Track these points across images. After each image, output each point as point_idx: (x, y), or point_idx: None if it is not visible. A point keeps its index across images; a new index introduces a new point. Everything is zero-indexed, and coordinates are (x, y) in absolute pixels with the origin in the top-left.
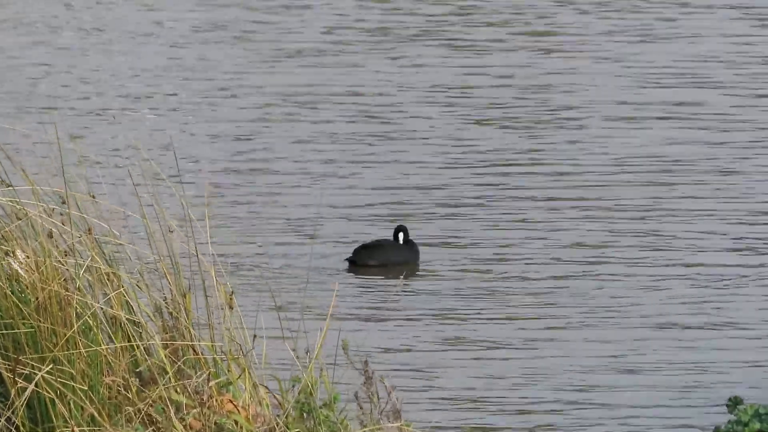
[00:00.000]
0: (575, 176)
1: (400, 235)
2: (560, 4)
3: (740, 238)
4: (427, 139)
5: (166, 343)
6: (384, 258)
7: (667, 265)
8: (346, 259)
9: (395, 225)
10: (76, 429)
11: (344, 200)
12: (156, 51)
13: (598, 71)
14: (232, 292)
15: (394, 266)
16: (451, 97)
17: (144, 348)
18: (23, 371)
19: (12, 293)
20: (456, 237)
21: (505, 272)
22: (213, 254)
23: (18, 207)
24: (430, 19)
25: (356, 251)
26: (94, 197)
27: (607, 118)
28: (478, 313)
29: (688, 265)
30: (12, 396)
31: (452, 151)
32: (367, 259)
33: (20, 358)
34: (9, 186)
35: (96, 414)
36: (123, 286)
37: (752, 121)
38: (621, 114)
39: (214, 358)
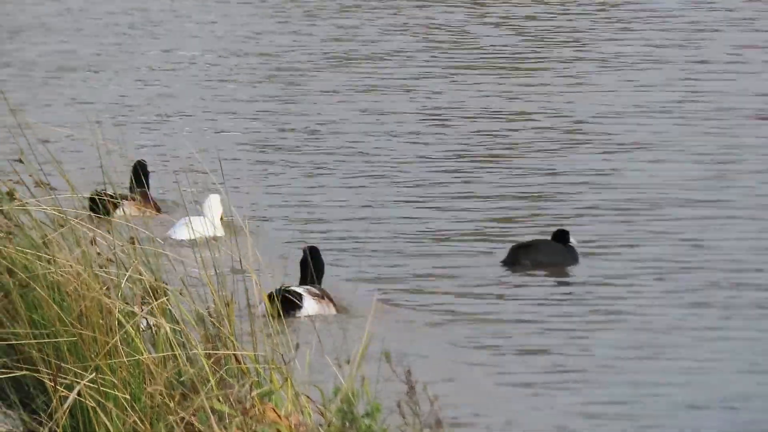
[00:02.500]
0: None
1: (571, 237)
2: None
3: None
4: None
5: (209, 353)
6: (538, 258)
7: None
8: (503, 261)
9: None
10: None
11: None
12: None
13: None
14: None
15: (550, 267)
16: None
17: (186, 357)
18: (65, 380)
19: (54, 302)
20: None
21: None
22: (260, 263)
23: (60, 214)
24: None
25: (512, 251)
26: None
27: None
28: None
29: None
30: (54, 404)
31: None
32: (523, 259)
33: (62, 366)
34: (51, 191)
35: (138, 422)
36: (166, 296)
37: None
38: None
39: (256, 368)
